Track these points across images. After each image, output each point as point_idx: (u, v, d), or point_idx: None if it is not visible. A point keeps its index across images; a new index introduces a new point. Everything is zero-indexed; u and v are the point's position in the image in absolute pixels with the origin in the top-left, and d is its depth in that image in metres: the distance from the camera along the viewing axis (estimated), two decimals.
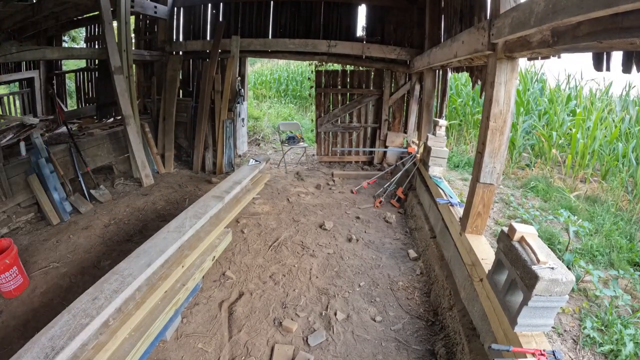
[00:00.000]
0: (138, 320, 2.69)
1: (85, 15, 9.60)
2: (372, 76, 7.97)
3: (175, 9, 8.66)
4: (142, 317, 2.73)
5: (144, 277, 2.83)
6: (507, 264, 2.42)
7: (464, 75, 11.00)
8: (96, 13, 9.32)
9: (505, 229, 2.52)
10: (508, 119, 3.12)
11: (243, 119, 8.61)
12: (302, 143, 8.34)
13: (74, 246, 4.79)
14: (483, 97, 3.42)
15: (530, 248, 2.27)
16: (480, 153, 3.24)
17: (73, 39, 17.33)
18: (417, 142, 6.99)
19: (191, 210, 3.95)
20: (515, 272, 2.29)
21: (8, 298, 3.79)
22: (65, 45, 12.19)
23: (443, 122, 5.43)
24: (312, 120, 12.40)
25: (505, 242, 2.48)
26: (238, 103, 7.92)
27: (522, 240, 2.38)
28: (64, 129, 7.83)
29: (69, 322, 2.30)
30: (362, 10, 7.75)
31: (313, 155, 8.90)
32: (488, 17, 3.20)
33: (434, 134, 5.45)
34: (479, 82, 4.47)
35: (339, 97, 8.14)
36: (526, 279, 2.16)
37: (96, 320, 2.35)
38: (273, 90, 18.00)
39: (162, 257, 3.08)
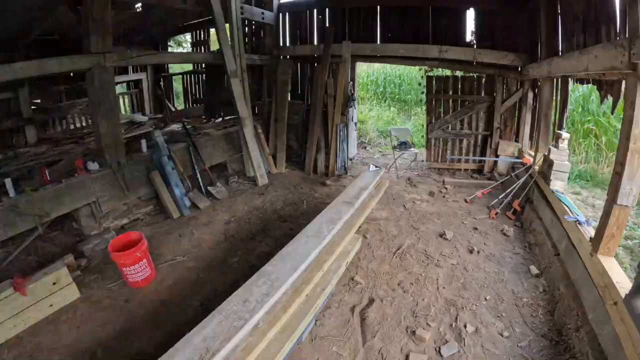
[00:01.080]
0: (283, 323, 2.80)
1: (191, 22, 10.32)
2: (483, 82, 7.84)
3: (281, 14, 9.14)
4: (286, 319, 2.84)
5: (290, 281, 2.98)
6: None
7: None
8: (201, 20, 10.07)
9: None
10: None
11: (355, 123, 8.83)
12: (413, 149, 8.41)
13: (197, 241, 5.15)
14: (620, 116, 3.37)
15: None
16: (618, 174, 3.21)
17: (178, 44, 18.60)
18: (531, 152, 6.82)
19: (325, 216, 4.13)
20: None
21: (135, 287, 4.13)
22: (170, 49, 13.19)
23: (566, 135, 5.25)
24: (422, 125, 12.26)
25: None
26: (351, 107, 8.13)
27: None
28: (172, 127, 8.56)
29: (222, 324, 2.42)
30: (470, 15, 7.66)
31: (422, 160, 8.95)
32: (628, 35, 3.14)
33: (556, 146, 5.27)
34: (609, 97, 4.34)
35: (450, 103, 8.12)
36: None
37: (249, 323, 2.47)
38: (370, 92, 17.92)
39: (306, 262, 3.24)
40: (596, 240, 3.48)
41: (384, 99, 17.13)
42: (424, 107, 8.60)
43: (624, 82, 3.83)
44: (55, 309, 3.76)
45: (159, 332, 3.50)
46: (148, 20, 8.91)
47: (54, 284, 3.74)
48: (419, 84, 10.01)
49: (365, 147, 10.88)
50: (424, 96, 8.36)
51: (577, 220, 4.08)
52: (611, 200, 3.31)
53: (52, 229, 5.19)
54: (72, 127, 9.14)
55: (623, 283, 3.00)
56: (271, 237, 5.33)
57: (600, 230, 3.42)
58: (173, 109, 9.62)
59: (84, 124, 9.40)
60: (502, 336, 3.45)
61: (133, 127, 8.84)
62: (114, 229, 5.39)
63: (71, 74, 9.97)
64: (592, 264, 3.48)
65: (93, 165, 5.27)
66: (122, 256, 4.02)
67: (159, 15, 8.67)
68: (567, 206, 4.48)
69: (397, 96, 16.90)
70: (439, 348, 3.30)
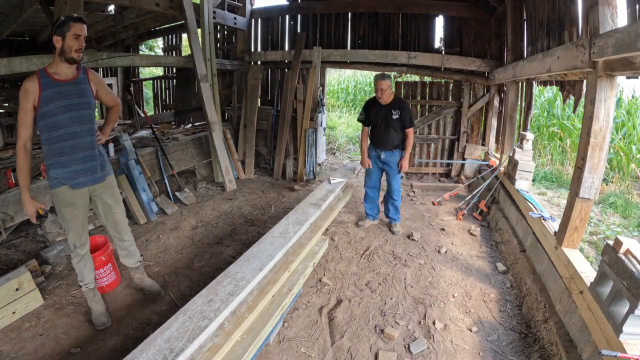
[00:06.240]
0: (249, 323, 2.79)
1: (162, 27, 10.23)
2: (451, 87, 8.00)
3: (253, 20, 9.12)
4: (253, 320, 2.83)
5: (256, 281, 2.93)
6: (612, 275, 2.50)
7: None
8: (173, 24, 9.99)
9: (611, 242, 2.60)
10: (607, 135, 3.19)
11: (324, 128, 8.85)
12: None
13: (164, 246, 5.04)
14: (578, 113, 3.48)
15: (637, 259, 2.37)
16: (579, 168, 3.31)
17: (150, 48, 18.36)
18: (497, 155, 6.97)
19: (292, 217, 4.11)
20: (622, 282, 2.37)
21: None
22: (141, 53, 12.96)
23: (530, 135, 5.42)
24: None
25: (610, 254, 2.56)
26: (320, 112, 8.15)
27: (627, 252, 2.46)
28: (142, 133, 8.40)
29: (186, 324, 2.36)
30: (439, 22, 7.83)
31: None
32: (588, 36, 3.24)
33: (520, 147, 5.44)
34: (571, 97, 4.49)
35: (418, 108, 8.22)
36: (633, 289, 2.25)
37: (214, 323, 2.41)
38: (341, 100, 18.12)
39: (272, 262, 3.20)
40: (560, 234, 3.56)
41: (354, 106, 17.28)
42: None
43: (584, 81, 3.99)
44: (18, 316, 3.57)
45: (123, 337, 3.38)
46: (119, 23, 8.78)
47: (16, 289, 3.54)
48: None
49: (334, 153, 10.96)
50: None
51: (542, 216, 4.19)
52: (574, 194, 3.41)
53: (16, 236, 4.99)
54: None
55: (588, 273, 3.09)
56: (238, 241, 5.25)
57: (564, 224, 3.51)
58: (142, 115, 9.44)
59: None
60: (471, 331, 3.47)
61: None
62: None
63: None
64: (557, 256, 3.57)
65: None
66: None
67: (130, 18, 8.54)
68: (532, 204, 4.60)
69: None
70: (408, 345, 3.29)
